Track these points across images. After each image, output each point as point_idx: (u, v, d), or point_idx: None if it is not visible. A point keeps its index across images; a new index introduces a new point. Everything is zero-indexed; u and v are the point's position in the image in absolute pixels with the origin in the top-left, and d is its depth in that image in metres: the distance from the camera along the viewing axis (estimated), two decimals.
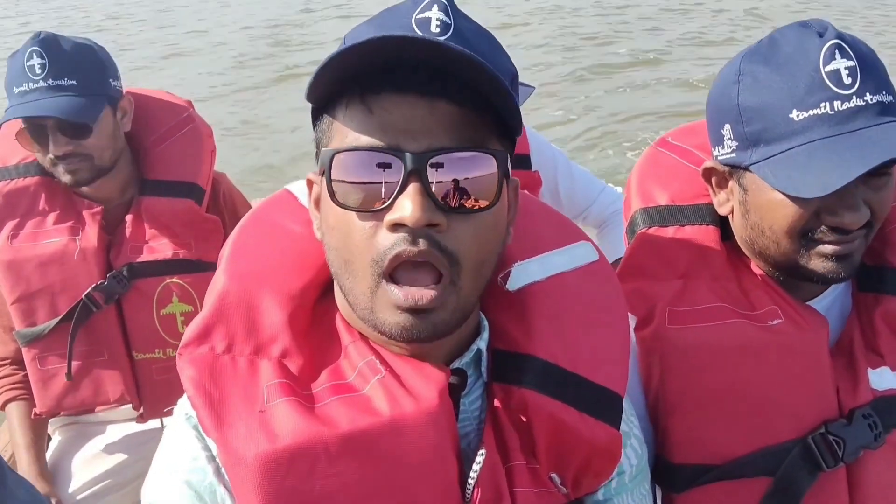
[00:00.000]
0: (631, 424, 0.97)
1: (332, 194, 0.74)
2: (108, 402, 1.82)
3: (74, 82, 1.63)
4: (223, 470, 0.79)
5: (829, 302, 1.11)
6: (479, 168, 0.73)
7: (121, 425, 1.95)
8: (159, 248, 1.79)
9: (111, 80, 1.73)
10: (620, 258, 1.16)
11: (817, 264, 0.98)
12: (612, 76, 7.91)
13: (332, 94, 0.75)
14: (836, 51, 0.91)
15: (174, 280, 1.79)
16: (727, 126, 1.00)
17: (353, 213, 0.73)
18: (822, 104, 0.90)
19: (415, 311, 0.73)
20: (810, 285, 1.06)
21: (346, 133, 0.74)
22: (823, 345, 1.05)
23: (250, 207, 2.04)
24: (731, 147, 1.01)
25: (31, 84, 1.61)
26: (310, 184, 0.85)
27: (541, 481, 0.85)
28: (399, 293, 0.73)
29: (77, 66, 1.65)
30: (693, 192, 1.14)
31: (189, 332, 0.84)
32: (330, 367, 0.82)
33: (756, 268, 1.08)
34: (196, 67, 9.02)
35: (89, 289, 1.74)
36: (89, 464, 1.90)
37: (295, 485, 0.74)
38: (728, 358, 1.03)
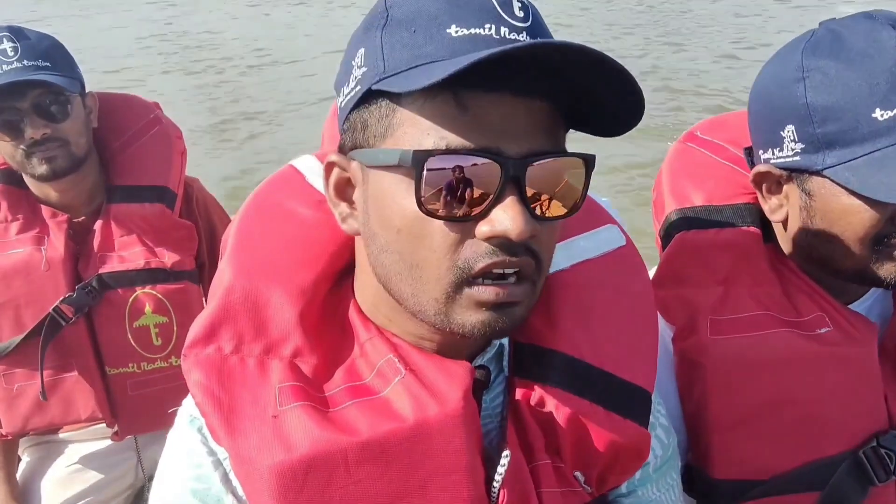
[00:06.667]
0: (657, 414, 0.93)
1: (420, 201, 0.66)
2: (79, 420, 1.74)
3: (49, 64, 1.61)
4: (231, 476, 0.77)
5: (871, 303, 1.07)
6: (570, 173, 0.70)
7: (94, 443, 1.87)
8: (130, 257, 1.71)
9: (78, 70, 1.70)
10: None
11: (890, 270, 0.93)
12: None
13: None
14: None
15: (147, 290, 1.71)
16: (789, 127, 0.94)
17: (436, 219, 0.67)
18: None
19: (499, 306, 0.70)
20: (854, 288, 1.02)
21: (424, 128, 0.66)
22: (873, 353, 1.00)
23: (225, 212, 1.99)
24: (793, 150, 0.95)
25: (5, 66, 1.57)
26: (330, 167, 0.77)
27: (566, 480, 0.81)
28: (490, 291, 0.69)
29: (48, 51, 1.63)
30: (729, 190, 1.08)
31: (194, 330, 0.79)
32: (345, 367, 0.78)
33: (800, 271, 1.04)
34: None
35: (57, 302, 1.66)
36: (62, 484, 1.82)
37: (313, 495, 0.71)
38: (774, 370, 0.98)
